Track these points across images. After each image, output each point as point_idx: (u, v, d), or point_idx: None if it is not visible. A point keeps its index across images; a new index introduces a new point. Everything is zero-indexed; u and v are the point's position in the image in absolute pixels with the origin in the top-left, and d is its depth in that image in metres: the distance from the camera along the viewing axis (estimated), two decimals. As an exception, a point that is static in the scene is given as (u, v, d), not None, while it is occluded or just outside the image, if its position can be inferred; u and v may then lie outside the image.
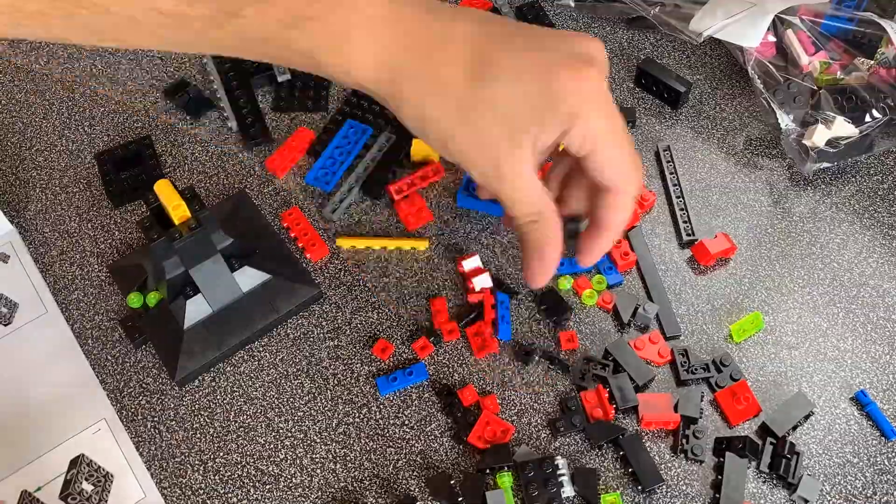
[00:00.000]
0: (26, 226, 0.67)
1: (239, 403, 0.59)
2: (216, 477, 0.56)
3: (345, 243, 0.65)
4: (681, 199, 0.67)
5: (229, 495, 0.55)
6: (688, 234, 0.65)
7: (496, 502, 0.53)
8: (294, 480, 0.56)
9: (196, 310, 0.59)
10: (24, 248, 0.65)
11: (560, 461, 0.55)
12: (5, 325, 0.62)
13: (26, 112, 0.73)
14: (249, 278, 0.60)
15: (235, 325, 0.60)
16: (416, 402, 0.59)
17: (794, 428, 0.57)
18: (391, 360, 0.60)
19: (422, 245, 0.64)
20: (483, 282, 0.62)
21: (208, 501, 0.55)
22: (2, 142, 0.71)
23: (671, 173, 0.68)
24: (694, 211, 0.66)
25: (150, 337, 0.61)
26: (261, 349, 0.61)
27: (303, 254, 0.65)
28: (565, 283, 0.62)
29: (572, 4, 0.77)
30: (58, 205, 0.68)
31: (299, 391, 0.59)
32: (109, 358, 0.61)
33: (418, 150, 0.68)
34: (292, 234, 0.65)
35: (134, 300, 0.61)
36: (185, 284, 0.59)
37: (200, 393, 0.59)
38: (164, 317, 0.60)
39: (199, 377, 0.60)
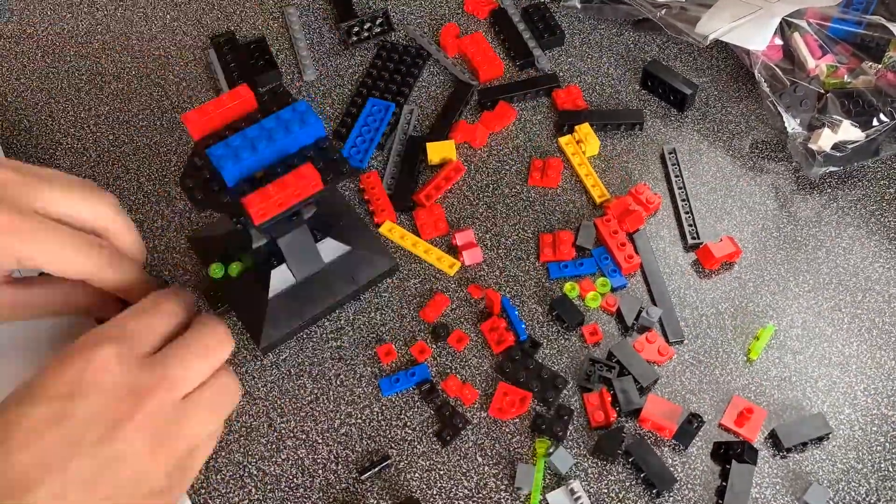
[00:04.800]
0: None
1: (241, 403, 0.59)
2: (218, 477, 0.56)
3: (385, 228, 0.65)
4: (686, 202, 0.66)
5: (231, 495, 0.55)
6: (692, 238, 0.65)
7: (524, 477, 0.54)
8: (296, 481, 0.56)
9: (280, 279, 0.59)
10: None
11: (574, 484, 0.55)
12: None
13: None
14: (331, 250, 0.61)
15: (317, 295, 0.60)
16: (418, 403, 0.58)
17: (804, 445, 0.56)
18: (394, 360, 0.60)
19: (452, 269, 0.64)
20: (473, 256, 0.63)
21: (210, 501, 0.55)
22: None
23: (676, 176, 0.68)
24: (699, 214, 0.66)
25: (232, 306, 0.61)
26: (264, 349, 0.61)
27: (371, 218, 0.66)
28: (572, 291, 0.62)
29: (578, 6, 0.77)
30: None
31: (301, 391, 0.59)
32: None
33: (434, 152, 0.68)
34: (365, 197, 0.67)
35: (216, 270, 0.60)
36: (270, 254, 0.59)
37: (203, 392, 0.59)
38: (246, 286, 0.60)
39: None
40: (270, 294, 0.59)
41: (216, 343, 0.47)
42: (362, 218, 0.66)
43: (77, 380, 0.42)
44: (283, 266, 0.59)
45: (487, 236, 0.65)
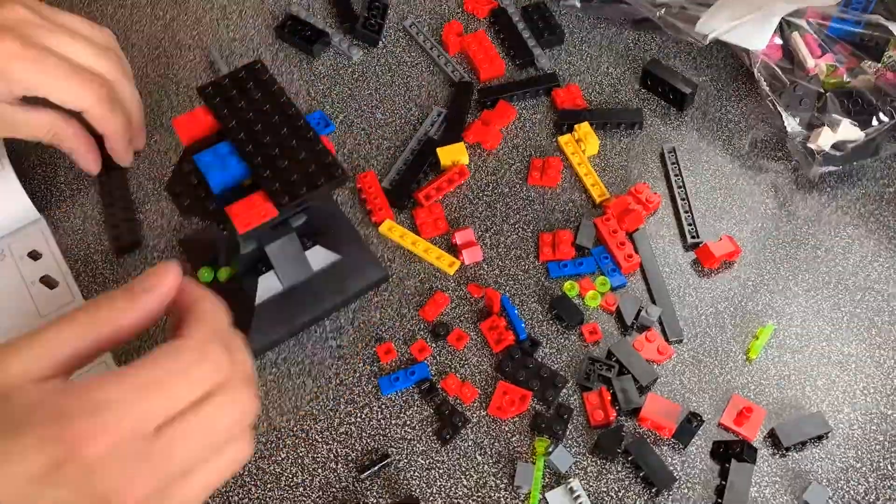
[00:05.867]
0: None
1: (241, 402, 0.59)
2: (217, 475, 0.56)
3: (385, 227, 0.65)
4: (685, 201, 0.66)
5: (230, 494, 0.55)
6: (692, 237, 0.65)
7: (523, 476, 0.54)
8: (295, 479, 0.56)
9: (268, 286, 0.59)
10: (51, 237, 0.66)
11: (574, 483, 0.55)
12: (51, 289, 0.63)
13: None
14: (320, 258, 0.60)
15: (305, 303, 0.60)
16: (417, 402, 0.59)
17: (804, 444, 0.56)
18: (394, 359, 0.60)
19: (451, 268, 0.64)
20: (473, 255, 0.63)
21: (209, 500, 0.55)
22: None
23: (676, 175, 0.68)
24: (699, 213, 0.66)
25: None
26: (263, 348, 0.61)
27: (368, 217, 0.66)
28: (572, 290, 0.62)
29: (578, 5, 0.77)
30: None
31: (301, 390, 0.59)
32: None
33: (445, 156, 0.68)
34: (362, 196, 0.66)
35: (205, 274, 0.61)
36: (258, 260, 0.58)
37: (203, 391, 0.59)
38: (234, 292, 0.60)
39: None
40: (257, 301, 0.59)
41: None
42: (354, 225, 0.65)
43: None
44: (271, 273, 0.58)
45: (487, 235, 0.66)
